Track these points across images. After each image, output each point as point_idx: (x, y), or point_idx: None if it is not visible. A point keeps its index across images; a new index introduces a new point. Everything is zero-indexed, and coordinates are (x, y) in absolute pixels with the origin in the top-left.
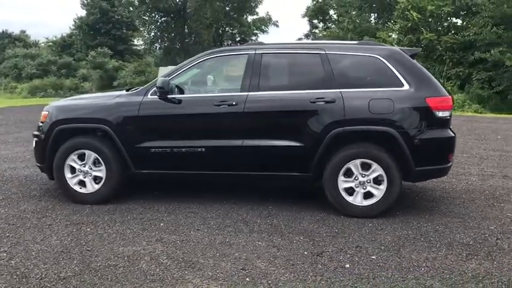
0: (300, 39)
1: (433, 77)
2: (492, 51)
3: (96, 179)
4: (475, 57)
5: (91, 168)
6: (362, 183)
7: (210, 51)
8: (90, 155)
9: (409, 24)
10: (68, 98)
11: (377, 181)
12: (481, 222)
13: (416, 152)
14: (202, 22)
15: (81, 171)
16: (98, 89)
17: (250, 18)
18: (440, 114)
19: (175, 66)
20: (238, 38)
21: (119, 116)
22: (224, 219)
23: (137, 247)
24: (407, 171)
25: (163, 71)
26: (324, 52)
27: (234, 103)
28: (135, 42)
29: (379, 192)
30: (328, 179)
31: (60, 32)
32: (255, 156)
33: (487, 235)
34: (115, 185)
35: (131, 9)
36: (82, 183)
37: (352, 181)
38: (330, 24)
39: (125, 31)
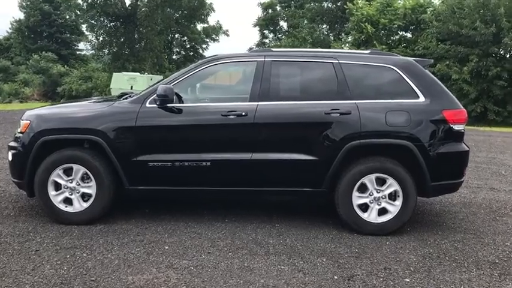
0: (250, 48)
1: (447, 89)
2: (439, 65)
3: (85, 197)
4: None
5: (79, 184)
6: (377, 199)
7: (214, 57)
8: (79, 170)
9: (363, 37)
10: (51, 106)
11: (392, 197)
12: (495, 237)
13: (433, 167)
14: (153, 28)
15: (67, 187)
16: (40, 95)
17: (200, 26)
18: (456, 127)
19: (176, 73)
20: (188, 46)
21: (112, 126)
22: (233, 239)
23: (148, 275)
24: (423, 186)
25: (117, 77)
26: (336, 61)
27: (243, 113)
28: (80, 47)
29: (394, 208)
30: (342, 194)
31: None
32: (265, 171)
33: (507, 252)
34: (106, 204)
35: (78, 12)
36: (68, 201)
37: (367, 197)
38: (280, 35)
39: (69, 35)
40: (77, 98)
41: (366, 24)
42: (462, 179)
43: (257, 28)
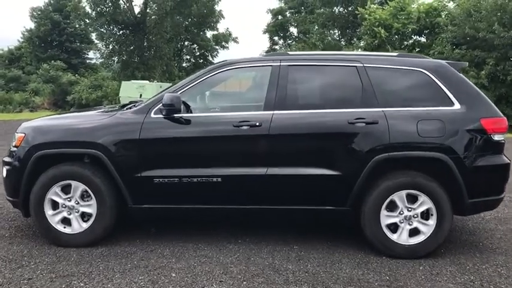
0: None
1: (484, 95)
2: None
3: (85, 216)
4: None
5: (78, 203)
6: (408, 218)
7: (224, 62)
8: (78, 187)
9: (376, 41)
10: (48, 117)
11: (425, 215)
12: None
13: (471, 182)
14: (163, 36)
15: (65, 206)
16: (50, 104)
17: (209, 33)
18: (495, 137)
19: (183, 80)
20: (198, 53)
21: (114, 139)
22: (248, 265)
23: None
24: (460, 203)
25: (126, 86)
26: (361, 64)
27: (257, 124)
28: (90, 55)
29: (427, 228)
30: (369, 213)
31: (7, 45)
32: (282, 187)
33: None
34: (108, 224)
35: (87, 21)
36: (66, 222)
37: (397, 216)
38: (291, 41)
39: (79, 44)
40: (86, 106)
41: (379, 28)
42: (502, 196)
43: (267, 35)
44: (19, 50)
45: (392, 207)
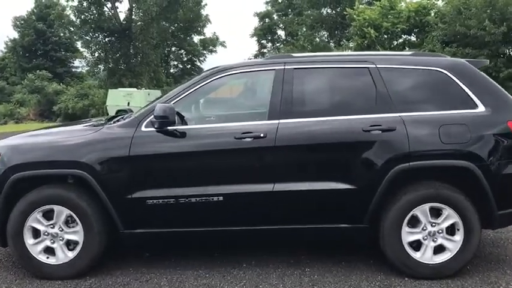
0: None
1: (510, 95)
2: None
3: (70, 244)
4: None
5: (62, 230)
6: (432, 234)
7: (221, 67)
8: (61, 212)
9: (366, 42)
10: (26, 133)
11: (451, 231)
12: None
13: (500, 191)
14: (149, 42)
15: (48, 234)
16: (36, 115)
17: (196, 38)
18: None
19: (176, 88)
20: (185, 58)
21: (100, 157)
22: None
23: None
24: (488, 216)
25: (113, 94)
26: (373, 65)
27: (261, 135)
28: (76, 64)
29: (453, 245)
30: (389, 230)
31: None
32: (291, 205)
33: None
34: (96, 252)
35: (72, 29)
36: (50, 251)
37: (419, 232)
38: (279, 44)
39: (64, 53)
40: (73, 116)
41: (369, 29)
42: None
43: (254, 38)
44: (3, 61)
45: (414, 222)
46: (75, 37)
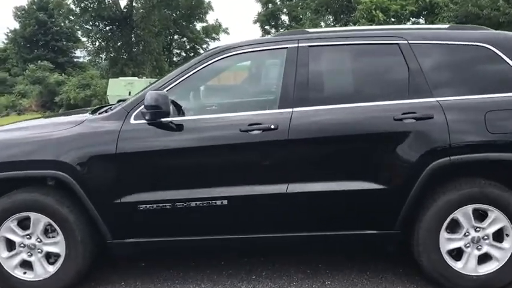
0: None
1: None
2: None
3: (51, 257)
4: None
5: (41, 241)
6: (476, 240)
7: (224, 47)
8: (39, 220)
9: (373, 25)
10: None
11: (498, 236)
12: None
13: None
14: (151, 30)
15: (24, 245)
16: (38, 106)
17: (199, 25)
18: None
19: (171, 73)
20: (188, 46)
21: (82, 155)
22: None
23: None
24: None
25: (114, 83)
26: (404, 41)
27: (272, 126)
28: (77, 54)
29: (501, 253)
30: (424, 237)
31: None
32: (308, 209)
33: None
34: (81, 265)
35: (72, 18)
36: (27, 265)
37: (461, 238)
38: (283, 30)
39: (65, 43)
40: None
41: (377, 11)
42: None
43: (258, 24)
44: (4, 52)
45: (454, 227)
46: (76, 27)
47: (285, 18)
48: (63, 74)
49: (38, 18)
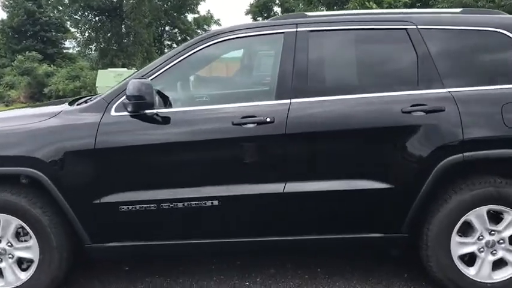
0: None
1: None
2: None
3: (23, 263)
4: None
5: (11, 245)
6: (490, 244)
7: (213, 31)
8: (9, 222)
9: None
10: None
11: None
12: None
13: None
14: (141, 21)
15: None
16: (27, 98)
17: (190, 16)
18: None
19: (156, 60)
20: (179, 38)
21: (57, 151)
22: None
23: None
24: None
25: (103, 74)
26: (413, 26)
27: (267, 119)
28: (67, 44)
29: None
30: (434, 241)
31: None
32: (307, 210)
33: None
34: (57, 271)
35: (60, 8)
36: None
37: (474, 243)
38: None
39: (54, 33)
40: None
41: (370, 3)
42: None
43: (250, 16)
44: None
45: (467, 230)
46: (65, 17)
47: (277, 9)
48: (52, 65)
49: (26, 8)
